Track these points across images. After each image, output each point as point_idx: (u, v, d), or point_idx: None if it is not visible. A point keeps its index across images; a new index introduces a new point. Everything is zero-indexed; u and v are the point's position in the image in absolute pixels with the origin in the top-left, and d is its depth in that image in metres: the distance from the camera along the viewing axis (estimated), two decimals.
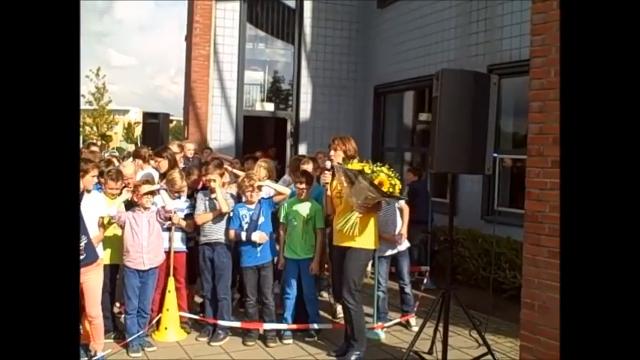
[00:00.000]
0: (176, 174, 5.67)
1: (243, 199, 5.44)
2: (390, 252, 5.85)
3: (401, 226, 5.88)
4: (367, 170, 4.54)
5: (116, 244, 5.18)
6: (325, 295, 6.61)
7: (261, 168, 5.96)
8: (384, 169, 4.58)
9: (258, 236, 5.28)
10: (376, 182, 4.47)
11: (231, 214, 5.39)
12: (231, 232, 5.35)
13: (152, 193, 5.19)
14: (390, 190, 4.52)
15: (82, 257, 4.45)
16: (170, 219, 5.30)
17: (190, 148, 8.37)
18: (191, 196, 5.78)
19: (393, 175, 4.58)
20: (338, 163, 4.84)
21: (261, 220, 5.36)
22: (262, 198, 5.47)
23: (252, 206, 5.37)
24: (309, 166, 5.95)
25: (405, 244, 5.96)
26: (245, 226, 5.31)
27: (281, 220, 5.53)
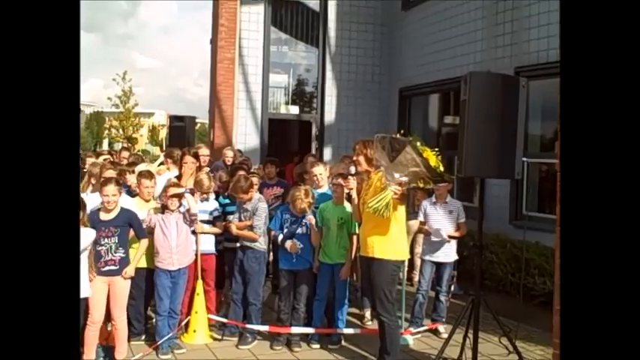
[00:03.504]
0: (204, 175, 5.74)
1: (291, 206, 5.46)
2: (437, 258, 5.85)
3: (452, 230, 5.86)
4: (418, 143, 4.38)
5: (150, 248, 5.20)
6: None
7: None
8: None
9: (289, 245, 5.33)
10: (424, 155, 4.33)
11: (261, 218, 5.43)
12: (272, 233, 5.50)
13: (179, 196, 5.23)
14: (436, 166, 4.36)
15: (115, 268, 4.67)
16: (194, 221, 5.34)
17: (229, 155, 8.22)
18: (216, 199, 5.84)
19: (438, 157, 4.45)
20: (381, 135, 4.50)
21: (301, 230, 5.39)
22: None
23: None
24: (320, 168, 5.97)
25: (454, 256, 5.95)
26: (285, 230, 5.41)
27: (318, 224, 5.51)
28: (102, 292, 4.60)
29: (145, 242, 4.94)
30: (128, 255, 4.77)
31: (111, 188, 4.72)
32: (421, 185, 4.47)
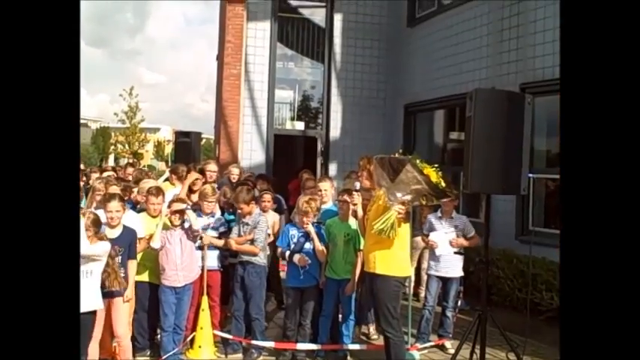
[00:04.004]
0: (208, 187, 5.76)
1: (296, 220, 5.48)
2: (443, 273, 5.83)
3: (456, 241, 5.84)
4: (417, 161, 4.42)
5: (155, 263, 5.22)
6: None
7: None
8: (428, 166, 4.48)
9: (297, 258, 5.31)
10: (425, 172, 4.36)
11: (261, 232, 5.44)
12: (279, 250, 5.50)
13: (181, 212, 5.24)
14: (438, 183, 4.38)
15: (114, 290, 4.56)
16: (200, 238, 5.35)
17: (235, 172, 8.16)
18: (222, 215, 5.85)
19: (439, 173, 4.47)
20: (380, 156, 4.56)
21: (308, 245, 5.38)
22: (313, 223, 5.43)
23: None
24: (326, 184, 6.00)
25: (460, 271, 5.93)
26: (292, 246, 5.39)
27: (324, 240, 5.49)
28: (101, 310, 4.54)
29: (134, 263, 4.89)
30: (127, 275, 4.74)
31: (114, 204, 4.73)
32: (424, 202, 4.50)
